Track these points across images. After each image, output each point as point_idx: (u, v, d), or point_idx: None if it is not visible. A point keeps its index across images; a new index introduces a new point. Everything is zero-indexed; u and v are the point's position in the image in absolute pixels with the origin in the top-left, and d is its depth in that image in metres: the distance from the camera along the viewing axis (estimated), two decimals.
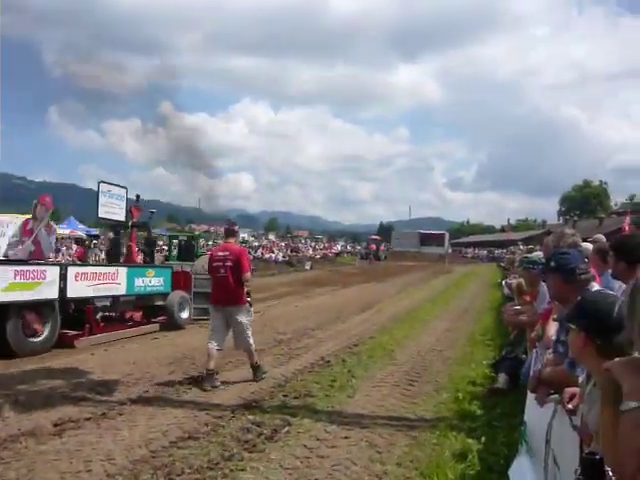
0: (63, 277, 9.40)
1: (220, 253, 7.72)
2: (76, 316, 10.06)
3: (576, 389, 2.50)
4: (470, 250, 78.29)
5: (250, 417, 5.90)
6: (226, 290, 7.42)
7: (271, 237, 65.76)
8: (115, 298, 10.89)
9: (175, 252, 16.24)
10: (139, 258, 15.28)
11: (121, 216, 12.41)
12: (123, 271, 10.94)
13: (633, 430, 1.36)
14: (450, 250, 65.89)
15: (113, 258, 12.96)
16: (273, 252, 43.47)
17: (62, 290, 9.39)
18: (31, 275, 8.88)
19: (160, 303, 12.05)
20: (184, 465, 4.55)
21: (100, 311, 10.64)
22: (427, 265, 46.07)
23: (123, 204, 12.37)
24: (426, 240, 64.41)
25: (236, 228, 8.44)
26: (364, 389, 7.17)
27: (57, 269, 9.50)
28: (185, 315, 12.25)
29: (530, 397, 3.71)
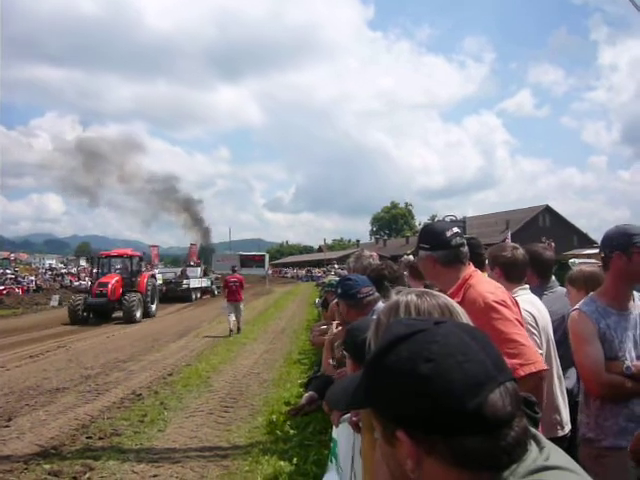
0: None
1: (232, 279, 16.20)
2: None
3: None
4: (290, 270, 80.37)
5: (46, 466, 5.36)
6: (234, 295, 15.83)
7: (82, 263, 61.18)
8: (206, 287, 36.33)
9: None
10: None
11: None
12: (208, 278, 37.72)
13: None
14: (270, 271, 66.91)
15: (205, 274, 38.01)
16: (82, 279, 39.94)
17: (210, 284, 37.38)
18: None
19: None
20: None
21: (206, 289, 36.65)
22: (248, 287, 45.86)
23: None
24: (247, 262, 64.64)
25: (236, 268, 19.34)
26: (177, 421, 6.92)
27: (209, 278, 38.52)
28: (216, 292, 35.77)
29: None
